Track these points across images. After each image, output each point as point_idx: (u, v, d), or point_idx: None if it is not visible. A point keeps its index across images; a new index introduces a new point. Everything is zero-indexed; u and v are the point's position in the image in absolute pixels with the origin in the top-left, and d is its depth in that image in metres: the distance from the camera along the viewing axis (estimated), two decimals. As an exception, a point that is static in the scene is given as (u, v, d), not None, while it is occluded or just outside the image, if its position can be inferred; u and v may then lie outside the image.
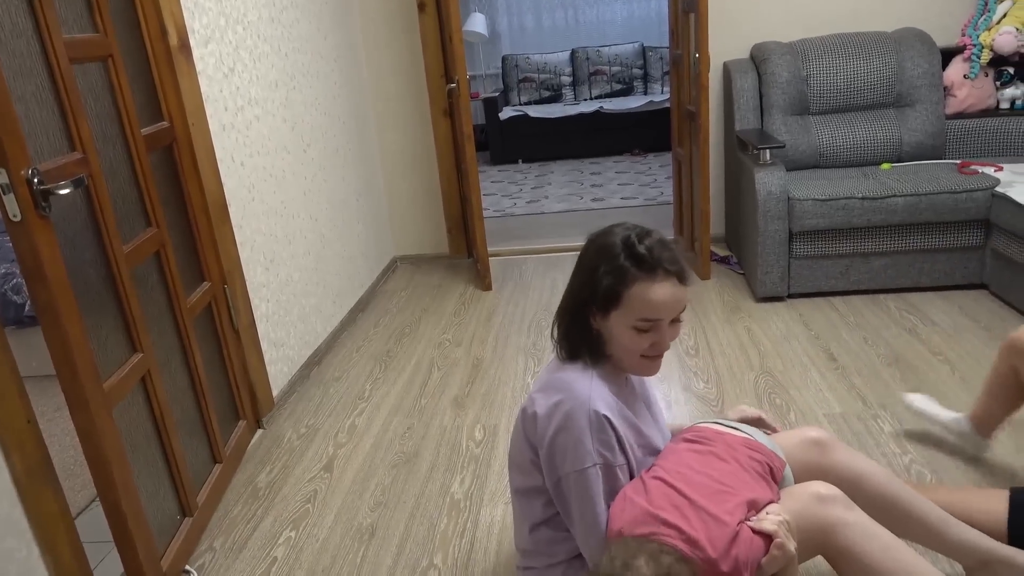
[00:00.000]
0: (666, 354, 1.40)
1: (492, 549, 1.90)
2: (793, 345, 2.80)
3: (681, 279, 1.34)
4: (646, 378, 1.54)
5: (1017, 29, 3.29)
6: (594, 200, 5.23)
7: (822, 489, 1.36)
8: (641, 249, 1.32)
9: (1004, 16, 3.36)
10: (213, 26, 2.40)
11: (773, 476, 1.42)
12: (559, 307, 1.44)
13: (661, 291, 1.31)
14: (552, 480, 1.36)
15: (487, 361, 2.95)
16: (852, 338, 2.81)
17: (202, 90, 2.30)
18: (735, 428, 1.50)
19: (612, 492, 1.33)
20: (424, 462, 2.31)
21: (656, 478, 1.35)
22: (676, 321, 1.36)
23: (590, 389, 1.33)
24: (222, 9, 2.47)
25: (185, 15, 2.22)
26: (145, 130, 1.98)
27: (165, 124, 2.12)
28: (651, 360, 1.38)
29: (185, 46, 2.19)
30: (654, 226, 1.39)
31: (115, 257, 1.75)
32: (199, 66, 2.29)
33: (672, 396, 2.53)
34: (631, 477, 1.37)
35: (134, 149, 1.91)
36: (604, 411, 1.31)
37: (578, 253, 1.42)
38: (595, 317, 1.37)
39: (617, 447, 1.33)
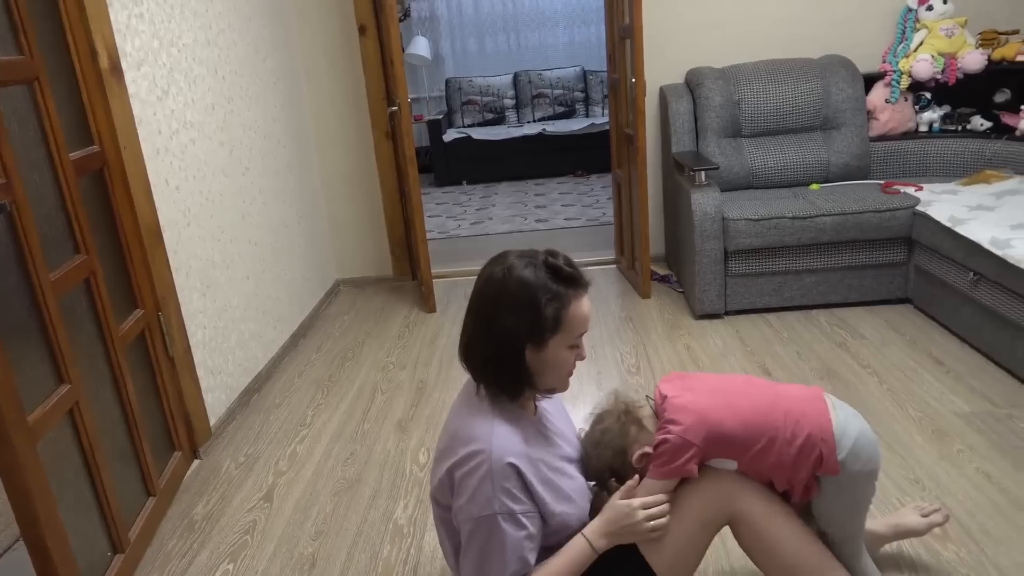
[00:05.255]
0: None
1: (436, 575, 1.88)
2: (731, 361, 2.87)
3: (586, 288, 1.39)
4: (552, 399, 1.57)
5: (932, 56, 3.47)
6: (538, 221, 5.28)
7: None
8: (568, 269, 1.34)
9: (920, 44, 3.54)
10: (146, 48, 2.36)
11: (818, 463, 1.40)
12: (479, 353, 1.38)
13: (586, 305, 1.38)
14: (457, 519, 1.35)
15: (431, 384, 2.94)
16: (786, 353, 2.90)
17: (135, 113, 2.25)
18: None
19: (515, 544, 1.30)
20: (367, 488, 2.28)
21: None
22: None
23: (492, 438, 1.31)
24: (155, 31, 2.43)
25: (116, 37, 2.18)
26: (74, 154, 1.93)
27: (95, 148, 2.07)
28: (571, 374, 1.43)
29: (116, 68, 2.15)
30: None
31: (40, 285, 1.70)
32: (131, 89, 2.25)
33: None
34: (542, 521, 1.35)
35: (62, 174, 1.86)
36: (512, 460, 1.30)
37: (479, 290, 1.38)
38: (529, 351, 1.34)
39: (522, 495, 1.31)
